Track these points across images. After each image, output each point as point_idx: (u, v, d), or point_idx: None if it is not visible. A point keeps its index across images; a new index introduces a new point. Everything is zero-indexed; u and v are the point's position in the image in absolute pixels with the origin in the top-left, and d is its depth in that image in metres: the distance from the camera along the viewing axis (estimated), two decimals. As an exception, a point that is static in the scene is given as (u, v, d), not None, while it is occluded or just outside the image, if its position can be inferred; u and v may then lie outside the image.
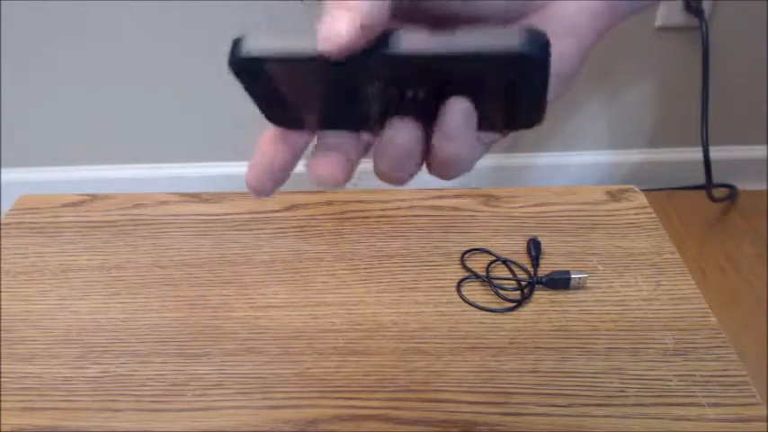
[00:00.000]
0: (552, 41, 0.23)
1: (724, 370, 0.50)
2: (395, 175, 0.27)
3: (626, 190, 0.67)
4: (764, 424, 0.46)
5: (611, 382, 0.49)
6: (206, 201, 0.66)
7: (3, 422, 0.47)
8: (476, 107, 0.25)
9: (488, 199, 0.66)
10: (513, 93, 0.25)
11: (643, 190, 0.67)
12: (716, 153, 1.47)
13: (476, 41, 0.23)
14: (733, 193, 1.53)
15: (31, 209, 0.66)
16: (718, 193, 1.51)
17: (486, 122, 0.26)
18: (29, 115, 1.47)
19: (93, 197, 0.67)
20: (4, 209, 0.68)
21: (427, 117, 0.26)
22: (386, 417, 0.47)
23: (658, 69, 1.45)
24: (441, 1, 0.26)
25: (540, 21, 0.27)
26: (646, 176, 1.55)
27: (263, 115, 0.27)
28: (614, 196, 0.66)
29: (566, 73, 0.27)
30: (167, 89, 1.45)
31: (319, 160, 0.27)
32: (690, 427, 0.46)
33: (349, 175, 0.28)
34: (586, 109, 1.48)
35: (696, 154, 1.48)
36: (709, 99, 1.43)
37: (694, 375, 0.49)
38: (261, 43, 0.24)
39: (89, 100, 1.46)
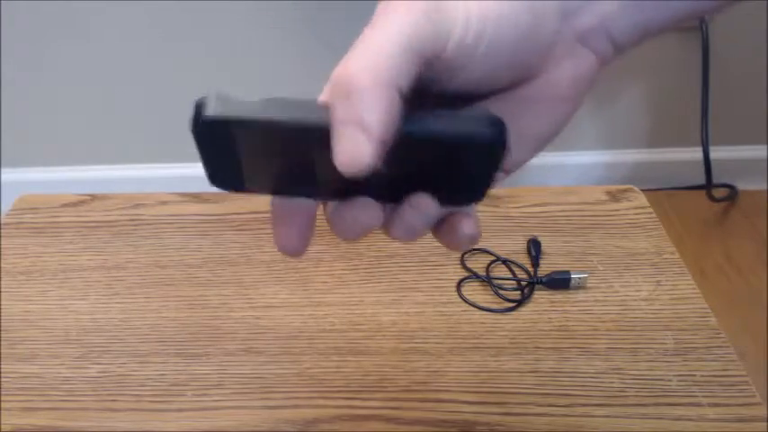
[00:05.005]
0: (546, 109, 0.27)
1: (724, 370, 0.50)
2: (351, 239, 0.29)
3: (626, 190, 0.67)
4: (764, 424, 0.46)
5: (611, 382, 0.49)
6: (206, 201, 0.66)
7: (3, 422, 0.47)
8: (432, 186, 0.27)
9: (488, 199, 0.66)
10: (469, 173, 0.27)
11: (643, 190, 0.67)
12: (716, 153, 1.47)
13: (444, 126, 0.24)
14: (733, 193, 1.53)
15: (31, 209, 0.66)
16: (718, 193, 1.51)
17: (437, 197, 0.28)
18: (29, 115, 1.47)
19: (93, 197, 0.67)
20: (4, 209, 0.68)
21: (391, 192, 0.27)
22: (386, 417, 0.47)
23: (658, 69, 1.45)
24: (450, 81, 0.26)
25: (538, 88, 0.28)
26: (645, 176, 1.55)
27: (209, 177, 0.27)
28: (614, 196, 0.66)
29: (550, 136, 0.29)
30: (167, 89, 1.45)
31: (282, 231, 0.29)
32: (690, 427, 0.46)
33: (309, 240, 0.29)
34: (586, 109, 1.48)
35: (696, 154, 1.48)
36: (709, 99, 1.43)
37: (694, 375, 0.49)
38: (230, 108, 0.24)
39: (89, 100, 1.46)
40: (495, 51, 0.26)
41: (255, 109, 0.24)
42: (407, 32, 0.24)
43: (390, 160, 0.24)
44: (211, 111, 0.24)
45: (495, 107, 0.27)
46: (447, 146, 0.25)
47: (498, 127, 0.25)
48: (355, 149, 0.23)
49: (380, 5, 0.26)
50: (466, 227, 0.29)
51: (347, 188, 0.27)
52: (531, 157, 0.30)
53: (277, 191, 0.28)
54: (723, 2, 0.28)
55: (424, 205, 0.27)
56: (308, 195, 0.29)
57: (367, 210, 0.27)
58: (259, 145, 0.26)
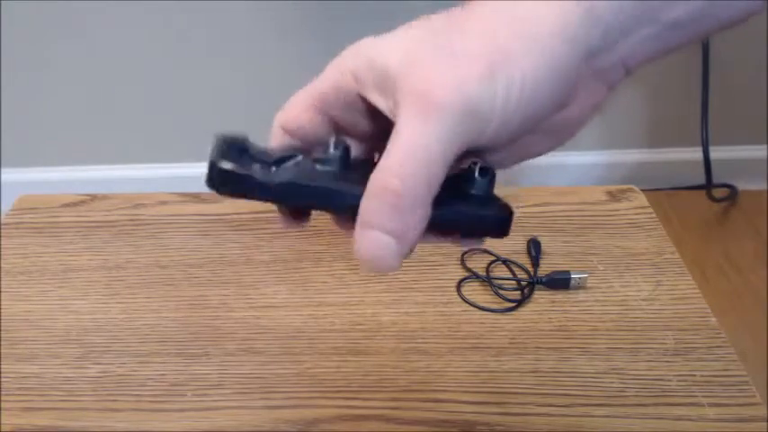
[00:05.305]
0: (555, 135, 0.29)
1: (724, 370, 0.50)
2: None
3: (626, 190, 0.67)
4: (764, 424, 0.46)
5: (611, 382, 0.49)
6: (206, 201, 0.66)
7: (3, 422, 0.47)
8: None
9: (488, 199, 0.66)
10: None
11: (643, 190, 0.67)
12: (716, 153, 1.47)
13: (461, 215, 0.28)
14: (733, 193, 1.53)
15: (31, 209, 0.66)
16: (718, 193, 1.51)
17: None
18: (29, 115, 1.47)
19: (93, 197, 0.67)
20: (4, 209, 0.68)
21: None
22: (386, 417, 0.47)
23: (658, 69, 1.45)
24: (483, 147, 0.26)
25: (551, 122, 0.28)
26: (645, 176, 1.55)
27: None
28: (614, 196, 0.66)
29: (550, 151, 0.31)
30: (167, 89, 1.45)
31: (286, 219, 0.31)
32: (690, 427, 0.46)
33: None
34: (586, 109, 1.48)
35: (696, 154, 1.48)
36: (710, 99, 1.43)
37: (694, 375, 0.49)
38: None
39: (89, 100, 1.46)
40: (529, 113, 0.26)
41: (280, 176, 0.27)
42: (454, 132, 0.23)
43: None
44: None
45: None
46: (460, 225, 0.29)
47: (506, 219, 0.29)
48: (382, 255, 0.23)
49: (419, 89, 0.24)
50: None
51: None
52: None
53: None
54: (731, 23, 0.29)
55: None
56: None
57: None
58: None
